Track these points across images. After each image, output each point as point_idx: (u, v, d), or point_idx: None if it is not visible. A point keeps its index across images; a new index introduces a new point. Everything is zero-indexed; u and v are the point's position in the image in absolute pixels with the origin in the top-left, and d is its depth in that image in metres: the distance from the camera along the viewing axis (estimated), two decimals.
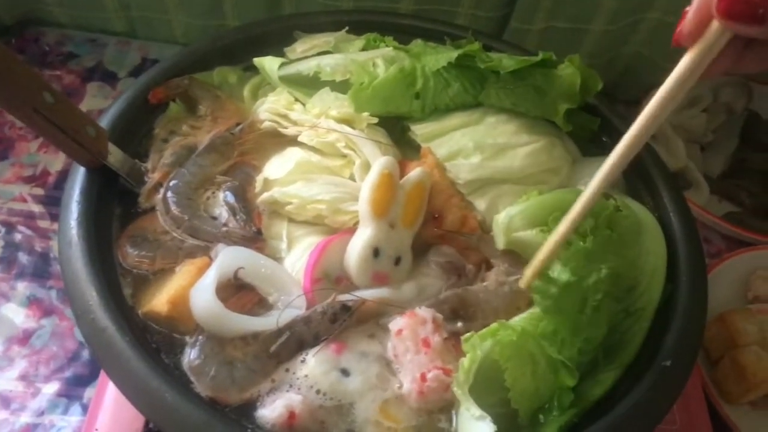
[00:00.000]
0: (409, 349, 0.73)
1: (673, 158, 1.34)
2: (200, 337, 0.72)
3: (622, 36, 1.36)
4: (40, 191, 1.21)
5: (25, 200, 1.20)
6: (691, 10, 0.56)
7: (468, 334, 0.72)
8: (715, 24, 0.54)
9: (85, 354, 1.04)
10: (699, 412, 0.98)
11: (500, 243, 0.80)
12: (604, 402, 0.73)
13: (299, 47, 0.99)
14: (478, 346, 0.70)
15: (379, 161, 0.81)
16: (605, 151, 0.97)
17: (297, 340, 0.73)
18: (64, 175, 1.22)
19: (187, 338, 0.73)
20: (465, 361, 0.69)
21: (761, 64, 0.58)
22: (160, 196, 0.83)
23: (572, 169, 0.92)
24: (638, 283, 0.78)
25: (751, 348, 1.05)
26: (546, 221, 0.79)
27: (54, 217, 1.17)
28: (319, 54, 0.97)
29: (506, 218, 0.80)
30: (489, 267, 0.83)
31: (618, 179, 0.96)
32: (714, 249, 1.32)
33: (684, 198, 0.92)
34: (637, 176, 0.97)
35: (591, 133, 0.99)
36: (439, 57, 0.91)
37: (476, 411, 0.66)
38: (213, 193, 0.84)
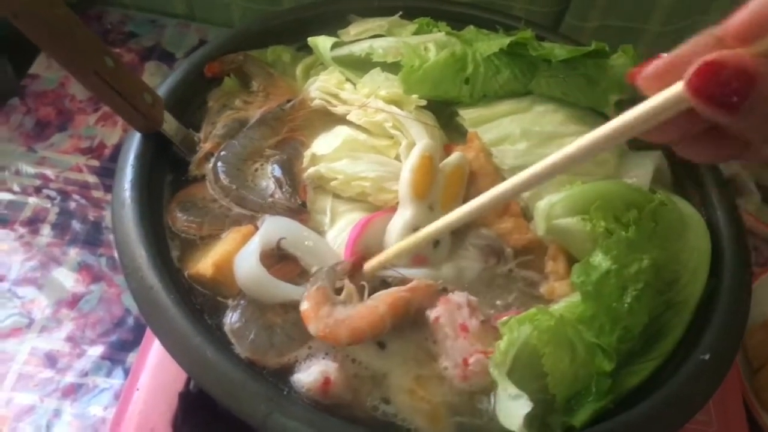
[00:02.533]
0: (448, 336, 0.73)
1: (724, 164, 1.32)
2: (242, 302, 0.73)
3: (678, 38, 1.30)
4: (95, 163, 1.25)
5: (81, 170, 1.24)
6: (667, 57, 0.48)
7: (505, 318, 0.72)
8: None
9: (130, 320, 1.07)
10: (737, 419, 0.96)
11: (540, 229, 0.80)
12: (640, 391, 0.72)
13: (353, 30, 1.00)
14: (515, 329, 0.70)
15: (420, 144, 0.82)
16: (653, 146, 0.97)
17: None
18: (119, 149, 1.25)
19: (230, 302, 0.75)
20: (502, 343, 0.69)
21: (715, 152, 0.50)
22: (210, 165, 0.85)
23: (618, 162, 0.91)
24: (680, 276, 0.77)
25: None
26: (587, 210, 0.78)
27: (108, 189, 1.21)
28: (371, 37, 0.98)
29: (547, 205, 0.80)
30: (529, 252, 0.83)
31: (666, 175, 0.95)
32: (762, 259, 1.29)
33: (732, 196, 0.90)
34: (686, 175, 0.95)
35: None
36: (491, 43, 0.91)
37: (513, 390, 0.66)
38: (261, 165, 0.86)
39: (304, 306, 0.70)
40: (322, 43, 0.96)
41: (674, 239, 0.79)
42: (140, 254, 0.72)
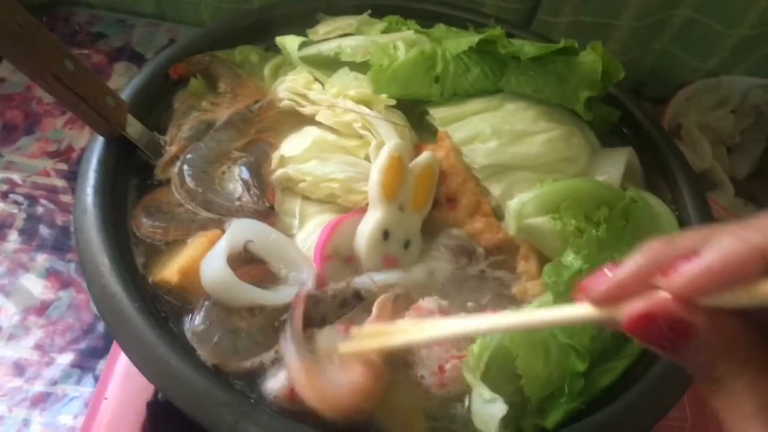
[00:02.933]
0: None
1: (698, 158, 1.32)
2: (206, 303, 0.72)
3: (651, 33, 1.34)
4: (63, 166, 1.23)
5: (48, 174, 1.22)
6: (611, 281, 0.43)
7: None
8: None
9: (100, 327, 1.06)
10: (711, 414, 0.96)
11: (512, 229, 0.80)
12: (613, 390, 0.72)
13: (321, 29, 0.99)
14: None
15: (389, 144, 0.81)
16: (625, 142, 0.97)
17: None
18: None
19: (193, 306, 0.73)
20: (475, 347, 0.68)
21: None
22: (175, 168, 0.83)
23: (590, 160, 0.90)
24: None
25: None
26: (558, 208, 0.78)
27: None
28: (340, 36, 0.97)
29: (518, 204, 0.79)
30: (501, 252, 0.82)
31: (638, 171, 0.95)
32: None
33: (703, 194, 0.90)
34: (657, 171, 0.95)
35: (611, 124, 0.98)
36: (460, 41, 0.90)
37: (487, 394, 0.65)
38: (228, 167, 0.85)
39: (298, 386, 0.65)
40: (289, 42, 0.94)
41: (645, 237, 0.79)
42: (103, 261, 0.70)
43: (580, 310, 0.46)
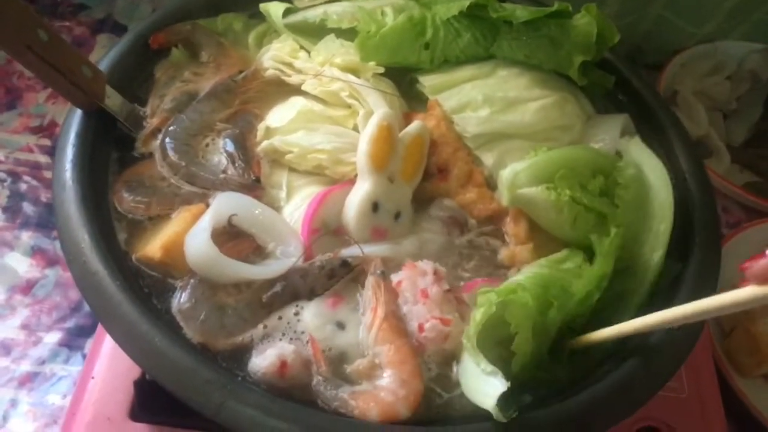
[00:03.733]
0: (407, 300, 0.71)
1: (694, 125, 1.30)
2: (192, 281, 0.70)
3: None
4: (46, 142, 1.20)
5: (31, 150, 1.19)
6: None
7: (485, 288, 0.69)
8: None
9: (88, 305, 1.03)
10: (709, 383, 0.95)
11: (505, 199, 0.78)
12: (609, 361, 0.70)
13: None
14: (494, 302, 0.66)
15: (378, 113, 0.79)
16: (621, 109, 0.95)
17: (291, 291, 0.71)
18: None
19: (178, 283, 0.71)
20: (477, 315, 0.67)
21: None
22: (158, 141, 0.81)
23: (585, 127, 0.88)
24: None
25: (765, 320, 1.02)
26: (552, 178, 0.76)
27: None
28: (326, 2, 0.94)
29: (511, 174, 0.77)
30: (493, 222, 0.80)
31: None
32: (733, 219, 1.29)
33: (700, 160, 0.88)
34: (654, 138, 0.93)
35: (605, 90, 0.95)
36: (450, 6, 0.87)
37: (487, 366, 0.63)
38: (212, 140, 0.82)
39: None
40: (274, 9, 0.91)
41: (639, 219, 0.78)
42: (83, 238, 0.68)
43: (745, 292, 0.52)
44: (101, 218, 0.72)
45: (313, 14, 0.91)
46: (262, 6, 0.93)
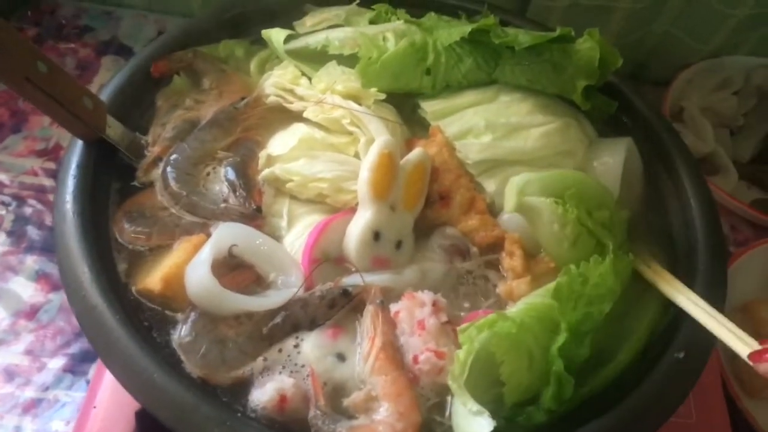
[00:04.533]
0: (404, 331, 0.71)
1: (701, 142, 1.29)
2: (192, 314, 0.70)
3: (650, 14, 1.30)
4: (51, 165, 1.20)
5: (36, 174, 1.19)
6: None
7: (465, 325, 0.68)
8: None
9: None
10: (717, 406, 0.94)
11: (510, 205, 0.76)
12: (613, 392, 0.70)
13: (309, 21, 0.96)
14: (474, 337, 0.66)
15: (379, 141, 0.78)
16: (624, 132, 0.94)
17: (292, 322, 0.71)
18: None
19: (179, 315, 0.71)
20: (461, 353, 0.66)
21: None
22: (159, 170, 0.81)
23: (588, 151, 0.88)
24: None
25: None
26: (561, 194, 0.75)
27: None
28: (328, 27, 0.94)
29: (522, 180, 0.76)
30: (496, 250, 0.80)
31: (637, 160, 0.92)
32: (741, 237, 1.27)
33: (705, 182, 0.87)
34: (657, 160, 0.92)
35: (608, 115, 0.95)
36: (452, 31, 0.87)
37: (473, 406, 0.63)
38: (214, 168, 0.82)
39: None
40: (275, 35, 0.91)
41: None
42: (83, 271, 0.68)
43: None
44: (101, 250, 0.72)
45: (315, 40, 0.91)
46: (264, 32, 0.93)
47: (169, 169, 0.80)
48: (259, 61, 0.95)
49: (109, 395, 0.82)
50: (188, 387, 0.62)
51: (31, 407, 0.96)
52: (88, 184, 0.75)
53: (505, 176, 0.81)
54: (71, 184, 0.74)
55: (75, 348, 1.02)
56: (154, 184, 0.81)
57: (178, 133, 0.84)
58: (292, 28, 0.95)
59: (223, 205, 0.78)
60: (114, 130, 0.79)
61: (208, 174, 0.82)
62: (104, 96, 0.82)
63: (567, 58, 0.87)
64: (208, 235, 0.75)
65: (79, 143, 0.77)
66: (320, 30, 0.94)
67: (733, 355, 1.04)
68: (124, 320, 0.65)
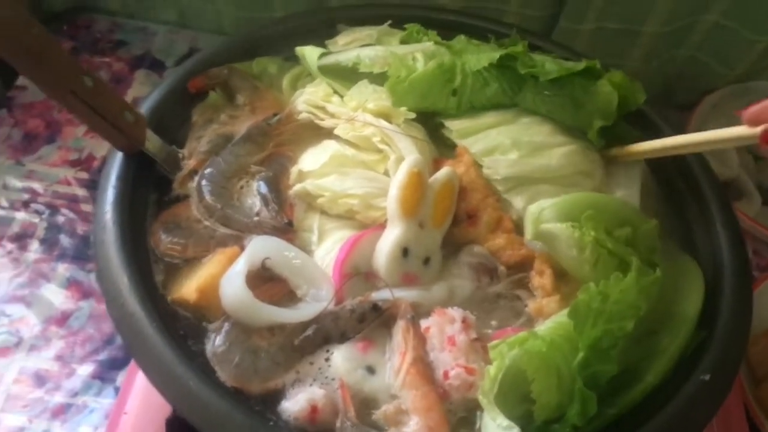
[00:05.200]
0: (434, 347, 0.72)
1: (724, 167, 1.30)
2: (226, 324, 0.71)
3: (677, 39, 1.31)
4: (84, 175, 1.23)
5: (69, 183, 1.22)
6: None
7: (495, 342, 0.69)
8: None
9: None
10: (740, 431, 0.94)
11: (528, 233, 0.78)
12: (639, 414, 0.70)
13: (341, 40, 0.98)
14: (505, 354, 0.67)
15: (409, 159, 0.80)
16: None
17: (323, 335, 0.72)
18: None
19: (211, 326, 0.73)
20: (491, 369, 0.67)
21: None
22: (194, 183, 0.83)
23: (605, 174, 0.89)
24: (663, 328, 0.76)
25: None
26: (578, 218, 0.76)
27: None
28: (360, 47, 0.96)
29: (537, 209, 0.78)
30: (523, 269, 0.81)
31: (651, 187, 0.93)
32: (764, 262, 1.27)
33: (731, 206, 0.88)
34: (684, 184, 0.93)
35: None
36: (480, 57, 0.89)
37: (503, 421, 0.64)
38: (247, 182, 0.84)
39: None
40: (309, 53, 0.94)
41: (668, 296, 0.77)
42: (122, 280, 0.70)
43: (737, 130, 0.74)
44: (140, 260, 0.74)
45: (346, 57, 0.93)
46: (298, 49, 0.95)
47: (204, 182, 0.82)
48: (292, 78, 0.97)
49: (140, 402, 0.84)
50: (223, 395, 0.64)
51: (60, 412, 0.98)
52: (127, 195, 0.77)
53: (531, 193, 0.83)
54: (111, 194, 0.76)
55: (104, 355, 1.04)
56: (190, 197, 0.83)
57: (213, 147, 0.86)
58: (323, 45, 0.97)
59: (256, 218, 0.80)
60: (152, 143, 0.81)
61: (241, 187, 0.84)
62: (143, 110, 0.84)
63: (587, 96, 0.89)
64: (242, 248, 0.77)
65: (119, 155, 0.80)
66: (351, 48, 0.96)
67: (755, 381, 1.06)
68: (161, 328, 0.67)
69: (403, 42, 0.97)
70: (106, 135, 0.77)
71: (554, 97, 0.88)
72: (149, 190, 0.83)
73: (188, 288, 0.73)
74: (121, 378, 1.01)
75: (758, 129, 0.71)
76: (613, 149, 0.91)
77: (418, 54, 0.92)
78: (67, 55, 0.70)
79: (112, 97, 0.76)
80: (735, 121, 1.32)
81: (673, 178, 0.93)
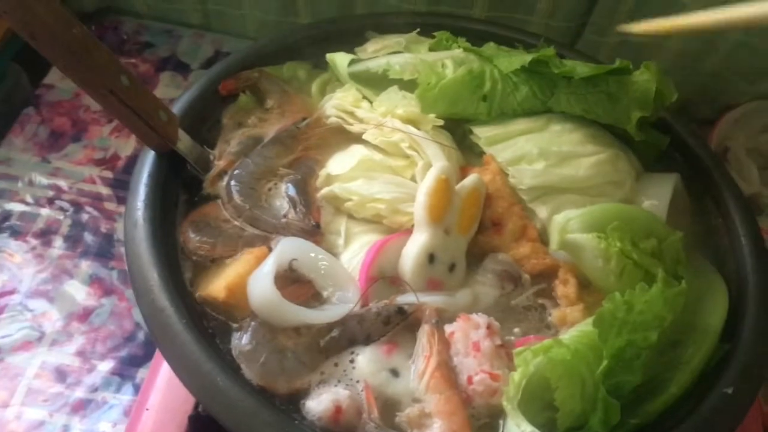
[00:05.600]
0: (458, 352, 0.72)
1: (745, 183, 1.30)
2: (252, 323, 0.72)
3: (699, 54, 1.31)
4: (108, 174, 1.25)
5: (94, 182, 1.23)
6: None
7: (520, 348, 0.70)
8: None
9: (141, 335, 1.06)
10: None
11: (554, 243, 0.79)
12: (661, 424, 0.70)
13: (370, 47, 0.99)
14: (530, 361, 0.68)
15: (436, 166, 0.81)
16: (674, 166, 0.95)
17: (348, 337, 0.73)
18: (133, 160, 1.25)
19: (239, 324, 0.74)
20: (516, 375, 0.68)
21: None
22: (223, 184, 0.84)
23: (635, 184, 0.89)
24: (687, 339, 0.76)
25: None
26: (604, 228, 0.77)
27: (120, 200, 1.21)
28: (389, 54, 0.97)
29: (563, 219, 0.78)
30: (546, 277, 0.81)
31: (684, 197, 0.93)
32: None
33: (755, 219, 0.88)
34: (708, 197, 0.93)
35: (658, 151, 0.96)
36: (512, 60, 0.89)
37: (527, 427, 0.64)
38: (275, 184, 0.85)
39: None
40: (339, 59, 0.95)
41: (692, 308, 0.77)
42: (152, 276, 0.71)
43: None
44: (169, 257, 0.75)
45: (376, 64, 0.93)
46: (329, 56, 0.96)
47: (233, 182, 0.83)
48: (321, 83, 0.99)
49: (162, 398, 0.85)
50: (249, 392, 0.65)
51: (80, 408, 0.99)
52: (158, 193, 0.78)
53: (557, 203, 0.83)
54: (143, 192, 0.77)
55: (124, 352, 1.05)
56: (219, 197, 0.84)
57: (243, 148, 0.87)
58: (353, 52, 0.98)
59: (283, 220, 0.80)
60: (184, 142, 0.82)
61: (269, 189, 0.85)
62: (175, 110, 0.85)
63: (622, 89, 0.89)
64: (270, 248, 0.78)
65: (152, 154, 0.81)
66: (381, 55, 0.97)
67: None
68: (190, 324, 0.68)
69: (432, 49, 0.97)
70: (140, 133, 0.78)
71: (589, 95, 0.88)
72: (179, 190, 0.84)
73: (217, 286, 0.74)
74: (140, 375, 1.02)
75: None
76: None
77: (448, 61, 0.92)
78: (107, 54, 0.71)
79: (148, 96, 0.77)
80: (758, 139, 1.34)
81: (700, 192, 0.93)
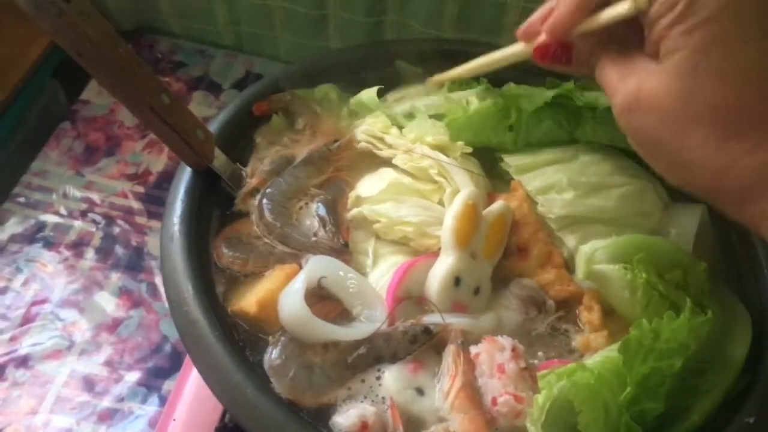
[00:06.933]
0: (483, 373, 0.73)
1: None
2: (282, 338, 0.74)
3: None
4: (140, 189, 1.28)
5: (126, 196, 1.26)
6: (527, 24, 0.74)
7: (544, 371, 0.71)
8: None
9: (168, 347, 1.08)
10: None
11: (580, 273, 0.80)
12: None
13: (391, 97, 1.02)
14: (554, 384, 0.69)
15: (464, 192, 0.83)
16: (697, 199, 0.96)
17: (375, 354, 0.75)
18: (164, 176, 1.28)
19: (270, 338, 0.76)
20: (540, 398, 0.69)
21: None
22: (255, 201, 0.86)
23: (662, 215, 0.90)
24: (710, 367, 0.77)
25: None
26: (630, 259, 0.77)
27: (151, 215, 1.23)
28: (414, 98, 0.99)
29: (590, 249, 0.79)
30: (571, 304, 0.82)
31: (708, 229, 0.94)
32: None
33: None
34: (733, 229, 0.94)
35: None
36: (534, 98, 0.91)
37: None
38: (306, 203, 0.87)
39: None
40: (366, 96, 0.97)
41: (715, 337, 0.78)
42: (187, 289, 0.73)
43: (514, 48, 0.78)
44: (203, 271, 0.77)
45: (401, 109, 0.96)
46: (353, 101, 0.99)
47: (265, 201, 0.86)
48: (352, 105, 1.01)
49: (188, 409, 0.87)
50: (278, 405, 0.66)
51: (106, 417, 1.01)
52: (194, 208, 0.81)
53: (585, 233, 0.84)
54: (179, 207, 0.80)
55: (151, 363, 1.07)
56: (251, 214, 0.86)
57: (275, 167, 0.90)
58: (381, 82, 1.01)
59: (313, 238, 0.83)
60: (219, 160, 0.85)
61: (300, 208, 0.87)
62: (212, 128, 0.88)
63: None
64: (300, 266, 0.80)
65: (188, 171, 0.84)
66: (406, 99, 1.00)
67: None
68: (222, 337, 0.70)
69: (451, 90, 0.99)
70: (178, 150, 0.81)
71: (614, 124, 0.89)
72: (213, 206, 0.87)
73: (248, 301, 0.76)
74: (166, 387, 1.04)
75: (531, 44, 0.73)
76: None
77: (472, 97, 0.95)
78: (149, 73, 0.75)
79: (186, 115, 0.80)
80: None
81: (724, 223, 0.94)
